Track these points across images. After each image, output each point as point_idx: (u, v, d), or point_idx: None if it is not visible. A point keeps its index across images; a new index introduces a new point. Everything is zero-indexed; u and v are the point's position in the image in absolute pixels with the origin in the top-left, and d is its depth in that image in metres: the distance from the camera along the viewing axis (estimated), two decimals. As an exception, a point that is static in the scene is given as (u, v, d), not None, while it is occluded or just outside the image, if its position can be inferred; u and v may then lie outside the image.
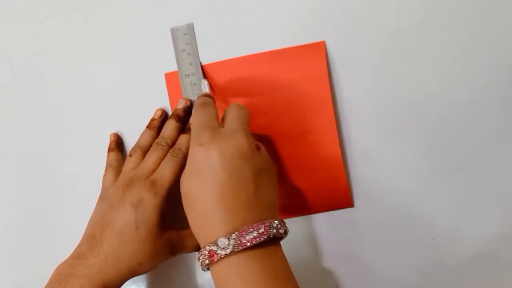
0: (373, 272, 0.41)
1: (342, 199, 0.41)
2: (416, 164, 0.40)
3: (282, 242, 0.33)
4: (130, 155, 0.40)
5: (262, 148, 0.34)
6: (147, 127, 0.42)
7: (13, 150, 0.46)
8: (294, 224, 0.42)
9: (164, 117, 0.42)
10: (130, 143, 0.44)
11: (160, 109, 0.43)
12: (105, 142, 0.44)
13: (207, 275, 0.43)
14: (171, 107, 0.43)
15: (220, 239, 0.30)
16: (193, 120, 0.35)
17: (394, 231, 0.40)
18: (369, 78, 0.40)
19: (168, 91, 0.43)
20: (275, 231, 0.30)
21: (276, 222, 0.31)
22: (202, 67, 0.41)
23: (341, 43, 0.40)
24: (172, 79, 0.43)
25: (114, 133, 0.44)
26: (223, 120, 0.35)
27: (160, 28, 0.43)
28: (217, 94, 0.42)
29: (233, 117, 0.35)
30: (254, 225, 0.30)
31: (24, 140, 0.46)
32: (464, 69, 0.39)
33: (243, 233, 0.30)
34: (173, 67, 0.43)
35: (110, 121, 0.44)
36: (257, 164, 0.33)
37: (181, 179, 0.34)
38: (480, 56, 0.39)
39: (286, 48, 0.41)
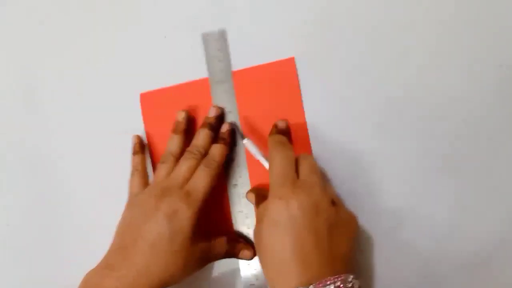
0: (373, 272, 0.41)
1: None
2: (416, 165, 0.40)
3: None
4: (163, 162, 0.39)
5: (338, 202, 0.36)
6: (173, 131, 0.41)
7: (13, 151, 0.46)
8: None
9: (187, 119, 0.42)
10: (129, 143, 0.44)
11: (183, 111, 0.41)
12: (106, 142, 0.44)
13: (213, 273, 0.43)
14: (145, 129, 0.43)
15: None
16: (273, 166, 0.35)
17: (394, 231, 0.40)
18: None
19: (142, 112, 0.43)
20: (350, 285, 0.31)
21: (351, 276, 0.31)
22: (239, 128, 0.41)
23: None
24: (147, 100, 0.43)
25: (136, 135, 0.43)
26: (297, 168, 0.36)
27: (160, 28, 0.43)
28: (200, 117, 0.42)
29: (308, 169, 0.35)
30: (331, 278, 0.31)
31: (24, 140, 0.46)
32: (464, 69, 0.39)
33: (320, 285, 0.30)
34: (174, 67, 0.43)
35: (111, 121, 0.44)
36: (331, 219, 0.34)
37: (258, 228, 0.34)
38: (480, 56, 0.39)
39: (258, 66, 0.41)
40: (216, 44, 0.39)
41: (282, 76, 0.41)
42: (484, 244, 0.39)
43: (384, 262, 0.40)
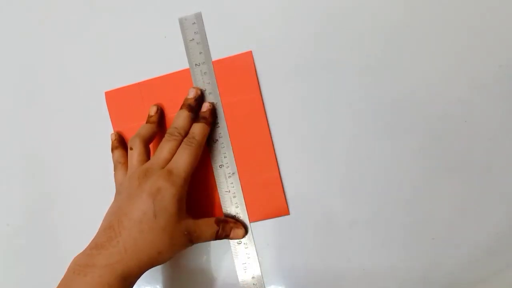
0: (373, 272, 0.41)
1: (278, 205, 0.41)
2: (416, 164, 0.40)
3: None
4: (131, 148, 0.40)
5: None
6: (147, 122, 0.42)
7: (13, 151, 0.46)
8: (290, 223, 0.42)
9: (161, 111, 0.43)
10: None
11: (155, 105, 0.42)
12: (105, 142, 0.44)
13: (212, 272, 0.43)
14: (113, 127, 0.44)
15: None
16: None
17: (394, 231, 0.40)
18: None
19: (108, 110, 0.44)
20: None
21: None
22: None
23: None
24: (112, 98, 0.43)
25: (113, 133, 0.44)
26: None
27: (161, 28, 0.43)
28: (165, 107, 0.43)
29: None
30: None
31: (24, 140, 0.46)
32: (464, 69, 0.39)
33: None
34: (174, 66, 0.43)
35: (108, 120, 0.44)
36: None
37: None
38: (480, 56, 0.39)
39: (217, 60, 0.41)
40: (193, 27, 0.40)
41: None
42: (484, 244, 0.39)
43: (383, 262, 0.40)
